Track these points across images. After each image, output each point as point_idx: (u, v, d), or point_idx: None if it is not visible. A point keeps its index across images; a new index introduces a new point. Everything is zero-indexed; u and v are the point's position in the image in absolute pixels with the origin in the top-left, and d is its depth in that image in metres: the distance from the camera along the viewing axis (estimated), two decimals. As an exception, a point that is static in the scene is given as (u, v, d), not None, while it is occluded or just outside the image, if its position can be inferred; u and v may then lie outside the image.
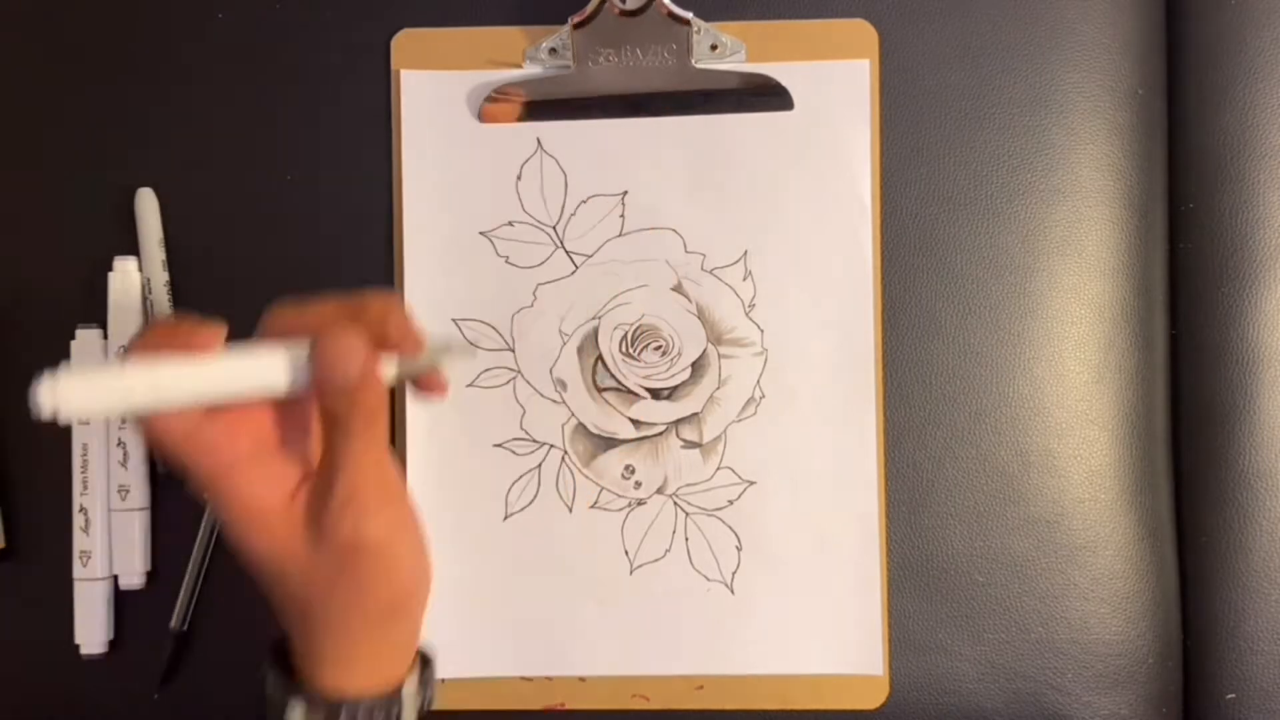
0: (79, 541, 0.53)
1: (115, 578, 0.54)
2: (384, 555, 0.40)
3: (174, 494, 0.54)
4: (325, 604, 0.40)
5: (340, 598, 0.40)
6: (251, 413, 0.40)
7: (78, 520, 0.53)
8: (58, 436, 0.54)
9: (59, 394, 0.37)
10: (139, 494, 0.54)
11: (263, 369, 0.39)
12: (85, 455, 0.53)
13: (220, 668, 0.54)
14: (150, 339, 0.39)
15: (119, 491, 0.53)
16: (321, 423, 0.40)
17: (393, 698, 0.42)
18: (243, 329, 0.54)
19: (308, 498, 0.40)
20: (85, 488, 0.53)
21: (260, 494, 0.40)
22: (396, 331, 0.40)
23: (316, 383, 0.39)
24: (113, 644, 0.54)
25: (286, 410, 0.41)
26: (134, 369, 0.38)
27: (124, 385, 0.38)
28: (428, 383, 0.42)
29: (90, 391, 0.38)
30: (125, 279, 0.54)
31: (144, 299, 0.54)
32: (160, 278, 0.54)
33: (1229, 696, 0.51)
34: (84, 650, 0.53)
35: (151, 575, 0.54)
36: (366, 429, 0.39)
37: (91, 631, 0.53)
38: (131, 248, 0.54)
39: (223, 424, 0.39)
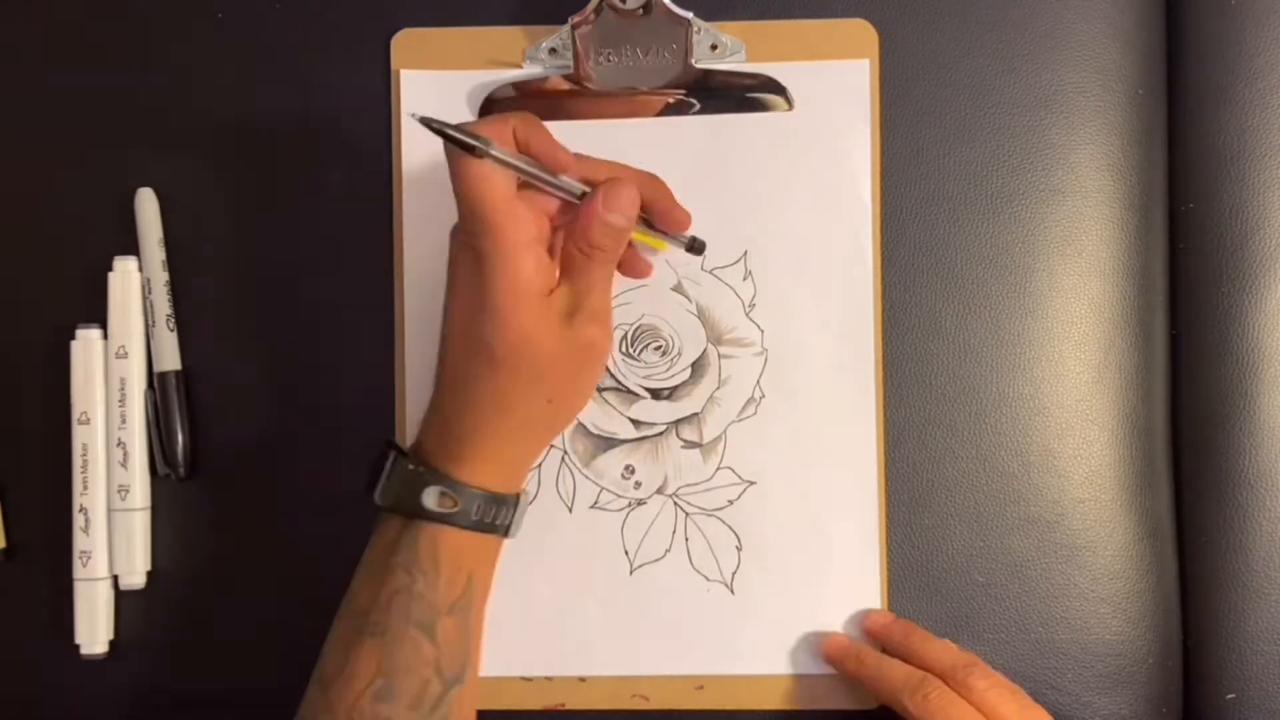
0: (79, 541, 0.53)
1: (115, 578, 0.54)
2: (603, 361, 0.49)
3: (174, 494, 0.54)
4: (537, 387, 0.47)
5: (558, 384, 0.47)
6: (541, 209, 0.48)
7: (78, 520, 0.53)
8: (58, 437, 0.54)
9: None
10: (139, 494, 0.54)
11: (569, 183, 0.47)
12: (85, 455, 0.53)
13: (219, 666, 0.54)
14: (520, 126, 0.46)
15: (119, 491, 0.53)
16: (577, 247, 0.47)
17: (508, 498, 0.48)
18: (242, 328, 0.55)
19: (559, 299, 0.47)
20: (85, 488, 0.53)
21: (533, 279, 0.46)
22: (662, 208, 0.50)
23: (594, 215, 0.47)
24: (113, 644, 0.54)
25: (553, 223, 0.48)
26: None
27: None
28: (635, 267, 0.53)
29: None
30: (125, 279, 0.54)
31: (144, 299, 0.54)
32: (160, 278, 0.54)
33: (1229, 696, 0.51)
34: (84, 650, 0.53)
35: (151, 575, 0.54)
36: (614, 262, 0.48)
37: (92, 631, 0.53)
38: (131, 248, 0.54)
39: (524, 205, 0.46)
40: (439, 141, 0.54)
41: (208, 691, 0.54)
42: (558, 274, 0.48)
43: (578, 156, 0.48)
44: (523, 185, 0.47)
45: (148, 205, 0.54)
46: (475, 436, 0.47)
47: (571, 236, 0.47)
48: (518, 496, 0.49)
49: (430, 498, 0.46)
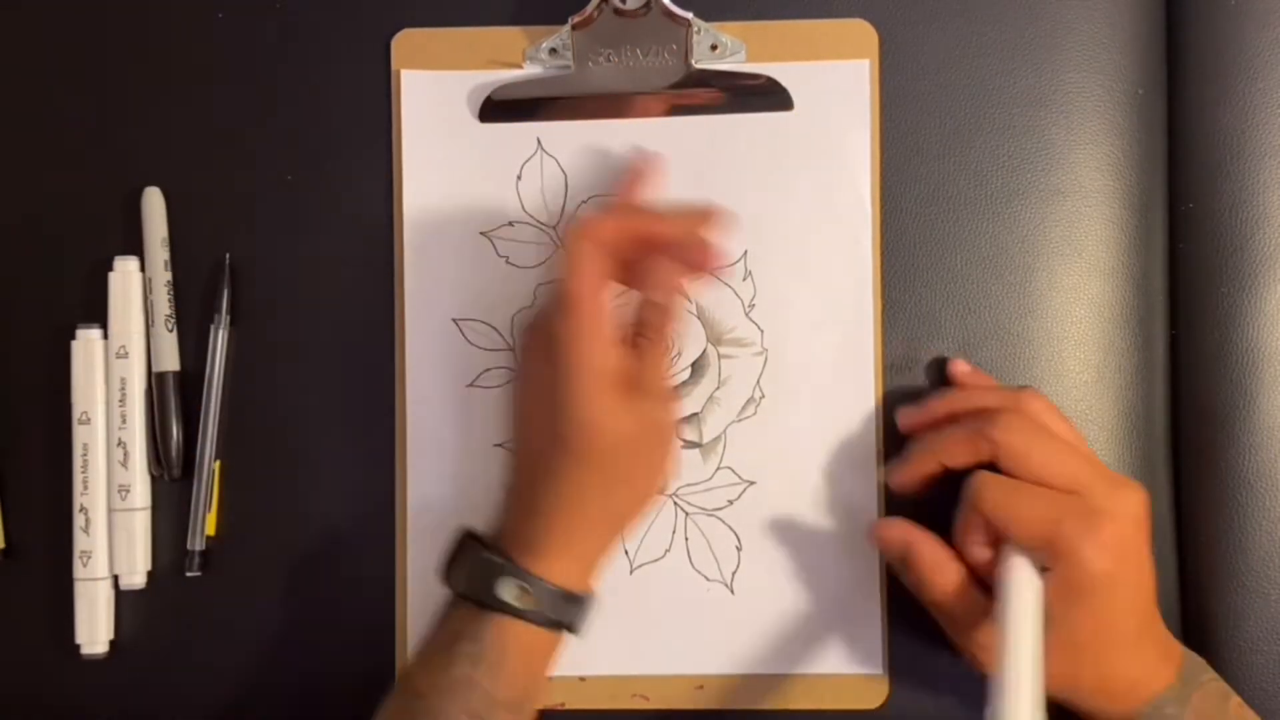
0: (79, 541, 0.53)
1: (115, 578, 0.54)
2: (672, 441, 0.50)
3: (174, 494, 0.54)
4: (612, 475, 0.46)
5: (632, 470, 0.47)
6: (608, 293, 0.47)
7: (78, 520, 0.53)
8: (58, 437, 0.54)
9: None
10: (139, 494, 0.54)
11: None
12: (85, 455, 0.53)
13: (219, 667, 0.54)
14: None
15: (119, 491, 0.53)
16: (636, 325, 0.48)
17: (582, 597, 0.47)
18: (242, 328, 0.55)
19: (626, 384, 0.47)
20: (85, 488, 0.53)
21: (605, 367, 0.46)
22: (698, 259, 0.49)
23: (645, 298, 0.48)
24: (113, 644, 0.54)
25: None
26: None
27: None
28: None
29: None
30: (126, 279, 0.54)
31: (145, 299, 0.54)
32: (162, 277, 0.54)
33: (1229, 696, 0.51)
34: (84, 650, 0.53)
35: (151, 575, 0.54)
36: (668, 338, 0.48)
37: (92, 631, 0.53)
38: (130, 248, 0.54)
39: (606, 295, 0.47)
40: (440, 141, 0.54)
41: (208, 691, 0.54)
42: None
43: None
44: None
45: (154, 204, 0.54)
46: (554, 530, 0.46)
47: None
48: (589, 596, 0.48)
49: (507, 591, 0.45)
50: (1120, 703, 0.47)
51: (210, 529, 0.54)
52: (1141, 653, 0.47)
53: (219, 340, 0.54)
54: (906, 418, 0.52)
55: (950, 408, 0.51)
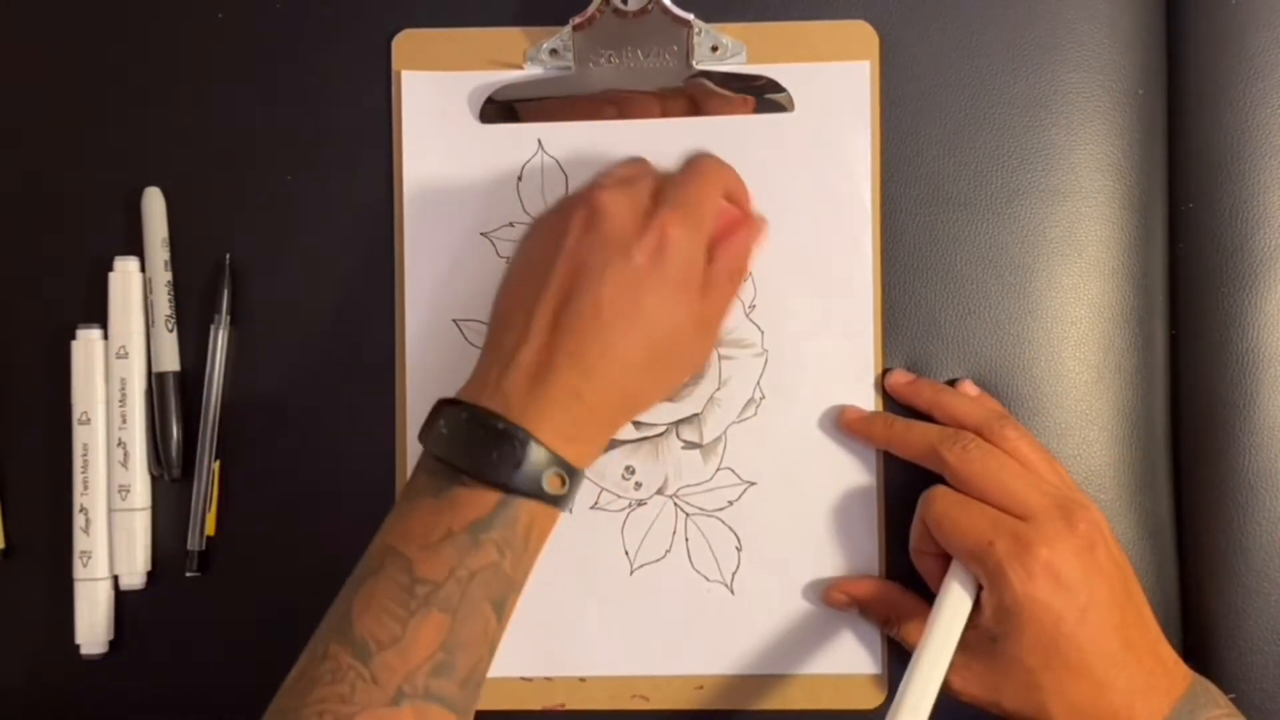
0: (79, 541, 0.53)
1: (116, 578, 0.54)
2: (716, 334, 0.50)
3: (174, 494, 0.54)
4: (676, 366, 0.48)
5: (687, 356, 0.48)
6: None
7: (78, 520, 0.53)
8: (58, 436, 0.54)
9: None
10: (139, 494, 0.54)
11: None
12: (85, 455, 0.53)
13: (219, 666, 0.54)
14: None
15: (119, 491, 0.53)
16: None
17: (580, 475, 0.46)
18: (243, 328, 0.55)
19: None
20: (85, 488, 0.53)
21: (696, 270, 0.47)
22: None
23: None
24: (113, 644, 0.54)
25: None
26: None
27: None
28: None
29: None
30: (126, 279, 0.54)
31: (145, 299, 0.54)
32: (162, 278, 0.54)
33: (1229, 696, 0.51)
34: (84, 650, 0.53)
35: (151, 575, 0.54)
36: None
37: (92, 631, 0.53)
38: (131, 248, 0.54)
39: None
40: (440, 142, 0.54)
41: (208, 691, 0.54)
42: None
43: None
44: None
45: (154, 204, 0.54)
46: (599, 418, 0.45)
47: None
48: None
49: (549, 481, 0.44)
50: None
51: (210, 529, 0.54)
52: (1121, 683, 0.46)
53: (219, 340, 0.54)
54: (896, 383, 0.53)
55: (933, 403, 0.52)
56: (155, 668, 0.54)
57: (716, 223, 0.48)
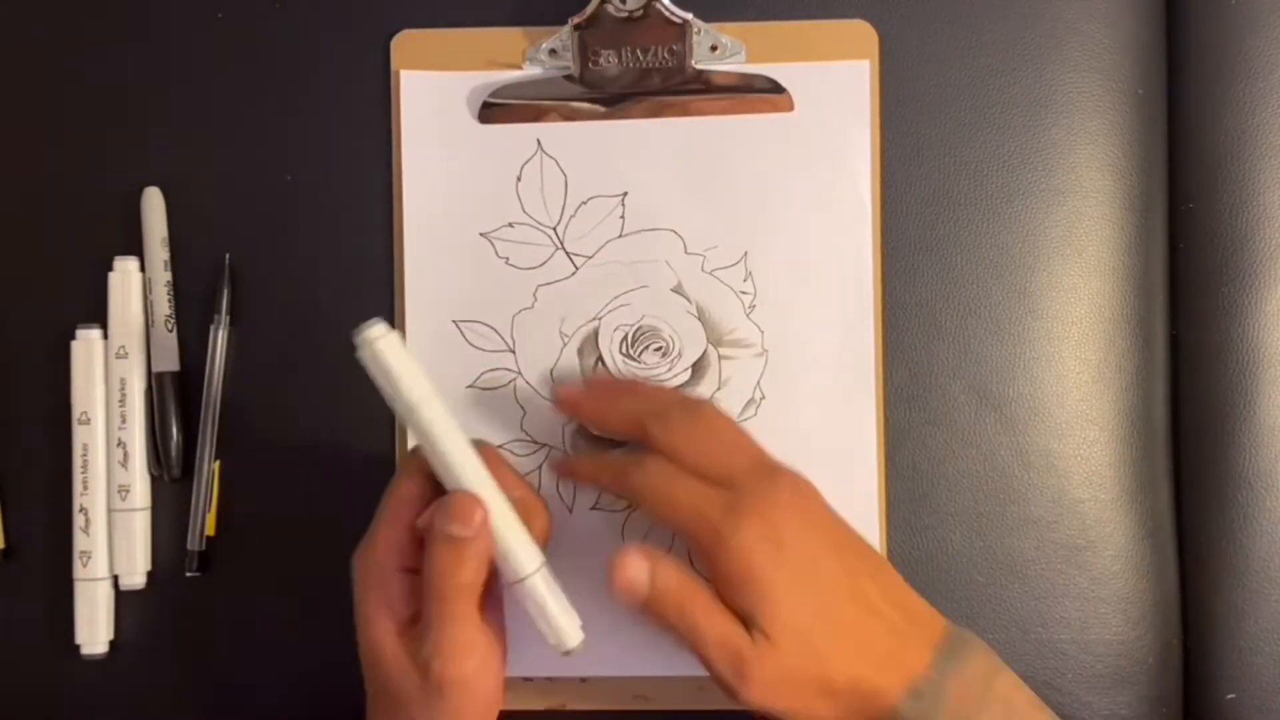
0: (79, 541, 0.53)
1: (115, 578, 0.54)
2: (467, 691, 0.45)
3: (174, 494, 0.54)
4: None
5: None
6: (407, 541, 0.46)
7: (77, 520, 0.53)
8: (58, 437, 0.54)
9: (384, 341, 0.43)
10: (139, 494, 0.54)
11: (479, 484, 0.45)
12: (85, 455, 0.53)
13: (219, 667, 0.54)
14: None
15: (119, 491, 0.53)
16: (424, 574, 0.44)
17: None
18: (243, 328, 0.55)
19: (410, 639, 0.45)
20: (85, 488, 0.53)
21: (383, 624, 0.45)
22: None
23: (431, 528, 0.44)
24: (113, 644, 0.54)
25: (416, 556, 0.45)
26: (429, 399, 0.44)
27: (411, 390, 0.44)
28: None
29: (398, 360, 0.43)
30: (126, 279, 0.54)
31: (144, 299, 0.54)
32: (162, 278, 0.54)
33: (1229, 696, 0.51)
34: (84, 650, 0.53)
35: (151, 575, 0.54)
36: (455, 596, 0.44)
37: (92, 632, 0.53)
38: (128, 249, 0.54)
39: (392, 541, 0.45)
40: (440, 143, 0.54)
41: (207, 692, 0.54)
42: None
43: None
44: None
45: (154, 204, 0.54)
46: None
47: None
48: None
49: None
50: (858, 707, 0.44)
51: (210, 529, 0.54)
52: (866, 647, 0.44)
53: (219, 340, 0.54)
54: (564, 397, 0.50)
55: (612, 394, 0.50)
56: (155, 668, 0.54)
57: None
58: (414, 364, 0.44)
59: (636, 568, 0.45)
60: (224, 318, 0.54)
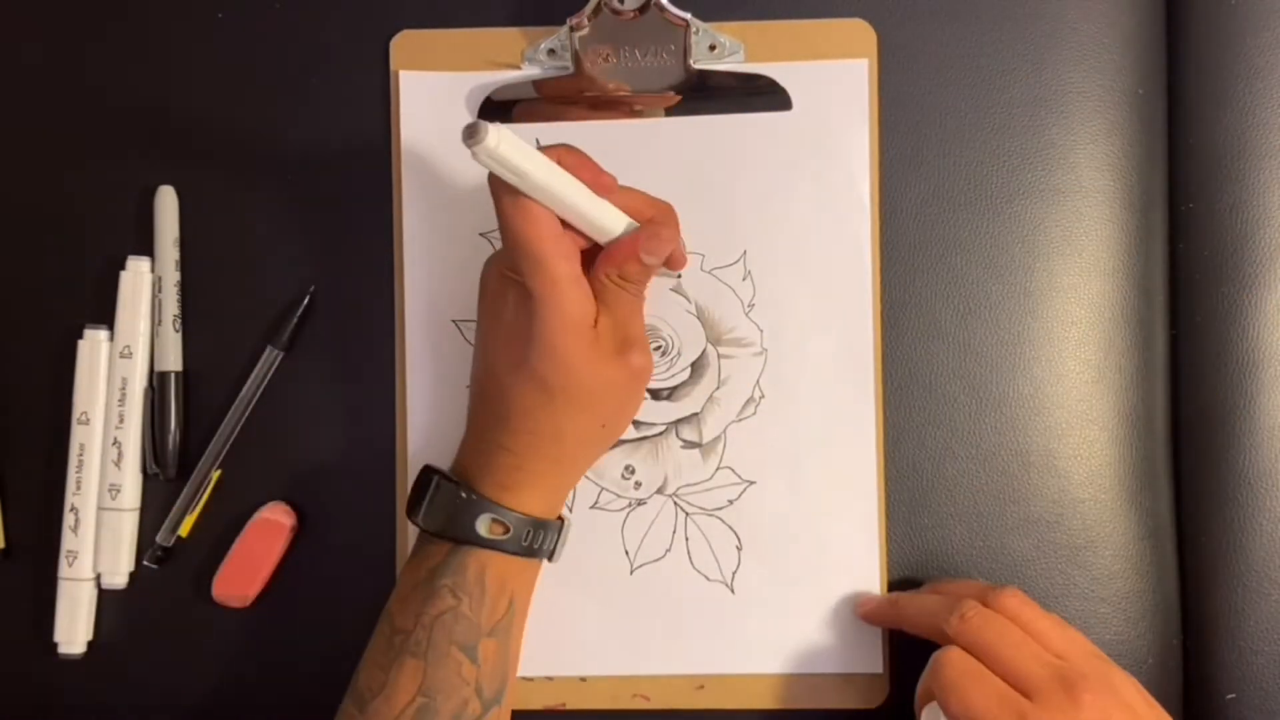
0: (67, 540, 0.53)
1: (99, 576, 0.54)
2: (646, 384, 0.51)
3: (171, 494, 0.54)
4: (592, 416, 0.48)
5: (610, 411, 0.49)
6: (579, 244, 0.48)
7: (67, 520, 0.53)
8: (59, 436, 0.54)
9: (499, 136, 0.43)
10: (129, 494, 0.53)
11: (613, 219, 0.48)
12: (81, 455, 0.53)
13: (198, 669, 0.54)
14: (565, 155, 0.47)
15: (110, 490, 0.53)
16: (611, 278, 0.48)
17: (552, 523, 0.49)
18: (241, 327, 0.55)
19: (605, 330, 0.48)
20: (79, 488, 0.53)
21: (583, 313, 0.46)
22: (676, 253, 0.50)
23: (634, 254, 0.47)
24: (90, 644, 0.54)
25: (585, 258, 0.48)
26: (547, 161, 0.45)
27: (537, 162, 0.44)
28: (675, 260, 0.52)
29: (516, 148, 0.43)
30: (137, 279, 0.54)
31: (154, 298, 0.54)
32: (172, 277, 0.54)
33: (1229, 696, 0.51)
34: (62, 650, 0.53)
35: (134, 576, 0.54)
36: (644, 291, 0.50)
37: (71, 631, 0.53)
38: (133, 248, 0.54)
39: (569, 240, 0.47)
40: (439, 142, 0.54)
41: (184, 694, 0.54)
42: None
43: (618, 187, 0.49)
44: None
45: (167, 203, 0.54)
46: (529, 465, 0.48)
47: (604, 267, 0.48)
48: (560, 521, 0.50)
49: (482, 525, 0.47)
50: None
51: (185, 530, 0.53)
52: None
53: (271, 364, 0.54)
54: (866, 609, 0.52)
55: (918, 600, 0.51)
56: (131, 669, 0.54)
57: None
58: (528, 150, 0.44)
59: None
60: (284, 341, 0.54)
